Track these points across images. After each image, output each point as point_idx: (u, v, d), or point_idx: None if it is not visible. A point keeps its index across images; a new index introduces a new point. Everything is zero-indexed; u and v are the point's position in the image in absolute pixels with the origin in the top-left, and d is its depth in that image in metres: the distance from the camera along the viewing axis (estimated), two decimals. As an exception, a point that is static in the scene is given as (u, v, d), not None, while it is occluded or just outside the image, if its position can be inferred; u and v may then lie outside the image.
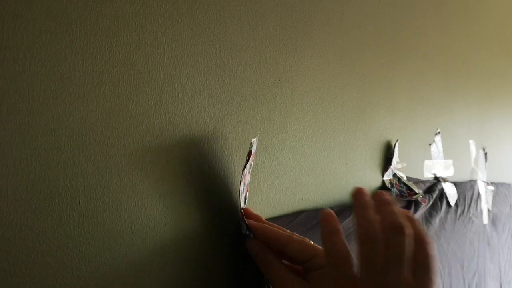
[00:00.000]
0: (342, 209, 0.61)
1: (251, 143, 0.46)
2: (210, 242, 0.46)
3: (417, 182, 0.81)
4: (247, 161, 0.45)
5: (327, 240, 0.36)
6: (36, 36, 0.34)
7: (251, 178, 0.51)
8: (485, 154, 1.10)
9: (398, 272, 0.32)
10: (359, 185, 0.68)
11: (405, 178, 0.77)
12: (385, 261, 0.32)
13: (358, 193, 0.37)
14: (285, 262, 0.43)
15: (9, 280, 0.32)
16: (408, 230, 0.33)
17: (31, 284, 0.33)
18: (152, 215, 0.41)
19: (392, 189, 0.74)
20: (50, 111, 0.35)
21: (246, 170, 0.45)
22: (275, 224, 0.47)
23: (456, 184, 0.92)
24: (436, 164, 0.89)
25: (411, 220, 0.35)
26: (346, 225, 0.61)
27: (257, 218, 0.46)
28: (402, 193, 0.74)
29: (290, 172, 0.56)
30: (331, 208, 0.60)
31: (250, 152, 0.45)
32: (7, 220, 0.32)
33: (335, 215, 0.38)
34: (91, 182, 0.37)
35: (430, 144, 0.88)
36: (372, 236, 0.33)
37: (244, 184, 0.46)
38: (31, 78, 0.34)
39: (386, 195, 0.37)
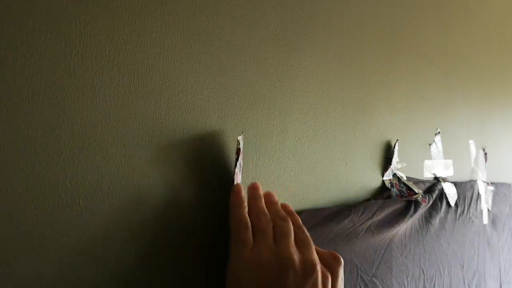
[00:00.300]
0: (342, 209, 0.61)
1: (238, 141, 0.46)
2: (208, 242, 0.46)
3: (417, 182, 0.81)
4: (237, 159, 0.45)
5: (233, 210, 0.42)
6: (36, 36, 0.34)
7: (251, 177, 0.51)
8: (485, 154, 1.10)
9: (287, 242, 0.40)
10: (359, 185, 0.68)
11: (405, 178, 0.77)
12: (276, 235, 0.41)
13: (252, 187, 0.46)
14: None
15: (10, 280, 0.32)
16: (290, 220, 0.43)
17: (31, 284, 0.33)
18: (152, 216, 0.41)
19: (392, 189, 0.74)
20: (50, 111, 0.35)
21: (237, 169, 0.46)
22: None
23: (456, 184, 0.92)
24: (436, 164, 0.89)
25: (291, 213, 0.45)
26: (346, 225, 0.61)
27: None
28: (402, 193, 0.74)
29: (290, 172, 0.56)
30: (330, 208, 0.60)
31: (238, 150, 0.46)
32: (7, 220, 0.32)
33: (242, 191, 0.44)
34: (91, 182, 0.37)
35: (430, 144, 0.88)
36: (265, 217, 0.42)
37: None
38: (31, 78, 0.34)
39: (273, 196, 0.46)
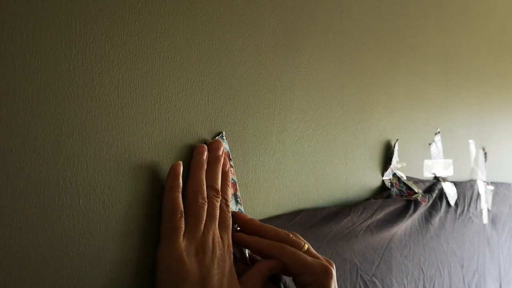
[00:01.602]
0: (341, 209, 0.61)
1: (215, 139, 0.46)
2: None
3: (417, 181, 0.81)
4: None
5: (166, 193, 0.41)
6: (36, 36, 0.34)
7: (251, 177, 0.51)
8: (485, 153, 1.10)
9: (213, 227, 0.42)
10: (359, 185, 0.69)
11: (405, 178, 0.77)
12: (207, 215, 0.42)
13: (198, 152, 0.44)
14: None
15: (9, 280, 0.32)
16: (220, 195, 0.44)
17: (31, 284, 0.33)
18: (152, 216, 0.41)
19: (392, 189, 0.74)
20: (50, 111, 0.35)
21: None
22: (269, 226, 0.46)
23: (456, 183, 0.92)
24: (436, 164, 0.89)
25: (224, 178, 0.45)
26: (345, 225, 0.61)
27: (250, 223, 0.47)
28: (402, 193, 0.74)
29: (290, 172, 0.56)
30: (330, 207, 0.60)
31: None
32: (7, 220, 0.32)
33: (179, 173, 0.41)
34: (91, 182, 0.37)
35: (430, 144, 0.88)
36: (202, 196, 0.42)
37: None
38: (31, 78, 0.34)
39: (218, 151, 0.45)
